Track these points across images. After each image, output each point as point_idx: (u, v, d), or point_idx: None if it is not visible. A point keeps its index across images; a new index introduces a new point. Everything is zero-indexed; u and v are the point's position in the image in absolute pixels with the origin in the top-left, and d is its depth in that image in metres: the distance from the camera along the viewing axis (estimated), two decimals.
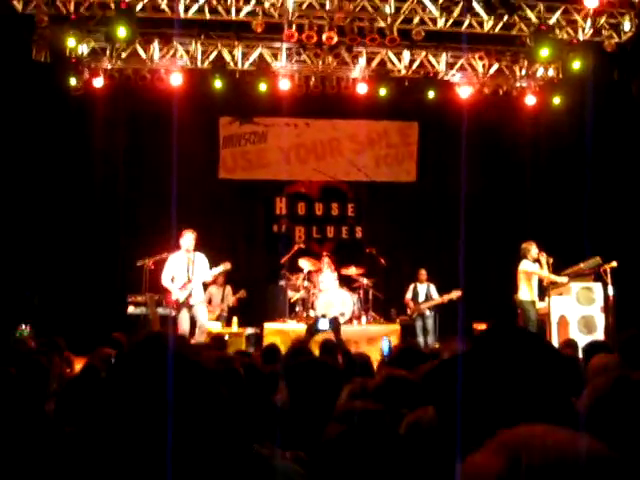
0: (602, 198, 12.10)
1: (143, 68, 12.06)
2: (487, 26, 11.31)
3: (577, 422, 1.47)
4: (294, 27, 10.99)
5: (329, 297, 11.57)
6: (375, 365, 5.53)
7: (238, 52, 11.94)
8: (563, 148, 12.58)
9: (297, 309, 11.90)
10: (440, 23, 11.23)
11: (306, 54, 11.96)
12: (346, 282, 12.19)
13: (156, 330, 8.90)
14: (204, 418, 1.27)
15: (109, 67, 12.09)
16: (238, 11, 10.77)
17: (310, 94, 12.63)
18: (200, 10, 10.73)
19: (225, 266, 10.01)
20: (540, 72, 12.64)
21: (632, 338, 4.35)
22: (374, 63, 12.21)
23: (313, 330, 10.37)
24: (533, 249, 10.33)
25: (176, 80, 11.98)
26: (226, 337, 9.68)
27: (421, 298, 12.09)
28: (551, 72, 12.51)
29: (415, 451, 1.51)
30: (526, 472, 0.75)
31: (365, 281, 12.08)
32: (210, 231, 11.87)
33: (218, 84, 11.71)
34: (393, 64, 12.30)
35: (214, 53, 11.94)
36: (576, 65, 11.24)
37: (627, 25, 11.15)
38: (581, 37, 11.29)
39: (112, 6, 10.23)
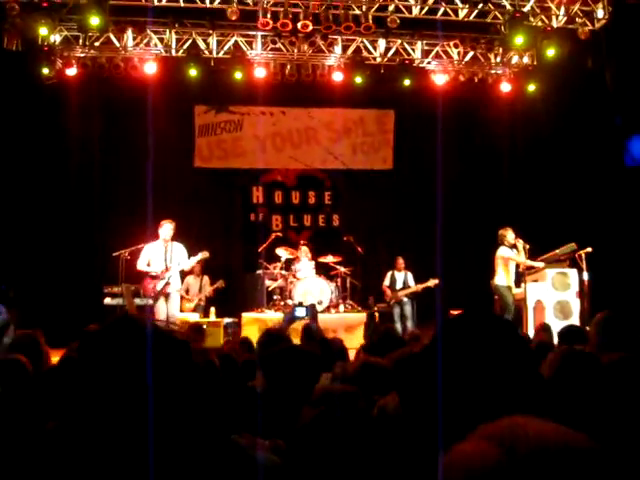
0: (577, 184, 12.23)
1: (117, 57, 11.94)
2: (462, 14, 11.35)
3: (545, 405, 1.49)
4: (269, 15, 10.93)
5: (307, 285, 11.59)
6: (352, 352, 5.56)
7: (213, 40, 11.86)
8: (538, 135, 12.67)
9: (275, 298, 11.90)
10: (415, 11, 11.25)
11: (281, 42, 11.91)
12: (323, 270, 12.21)
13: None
14: (179, 398, 1.26)
15: (82, 56, 11.95)
16: None
17: (286, 82, 12.58)
18: None
19: (203, 254, 9.99)
20: (515, 59, 12.71)
21: (605, 319, 4.42)
22: (349, 51, 12.19)
23: (290, 318, 10.38)
24: (509, 235, 10.42)
25: (150, 69, 11.87)
26: (204, 327, 9.65)
27: (398, 286, 12.14)
28: (526, 59, 12.58)
29: (383, 434, 1.53)
30: (523, 461, 0.75)
31: (342, 269, 12.11)
32: (186, 220, 11.81)
33: (193, 72, 11.64)
34: (369, 52, 12.30)
35: (188, 41, 11.85)
36: (550, 52, 11.31)
37: (600, 13, 11.24)
38: (555, 25, 11.36)
39: None
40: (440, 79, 12.68)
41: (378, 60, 12.32)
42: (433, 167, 11.93)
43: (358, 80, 12.16)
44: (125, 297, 10.27)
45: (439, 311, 11.83)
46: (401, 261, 12.24)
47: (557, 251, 10.16)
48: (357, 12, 11.09)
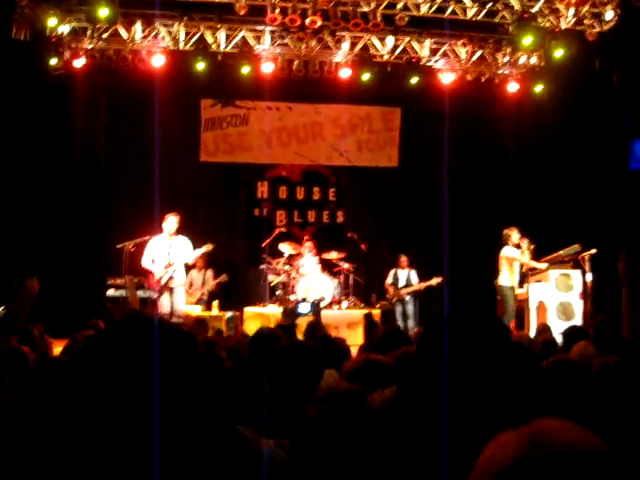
0: (582, 186, 12.20)
1: (124, 49, 11.93)
2: (470, 13, 11.33)
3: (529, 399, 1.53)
4: (277, 10, 10.93)
5: (310, 281, 11.61)
6: (354, 350, 5.57)
7: (221, 34, 11.85)
8: (545, 135, 12.66)
9: (277, 293, 11.92)
10: (424, 9, 11.23)
11: (289, 38, 11.89)
12: (327, 267, 12.22)
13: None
14: (189, 391, 1.27)
15: (90, 47, 11.95)
16: None
17: (293, 78, 12.57)
18: None
19: (207, 247, 10.00)
20: (522, 60, 12.68)
21: (602, 323, 4.46)
22: (357, 48, 12.17)
23: (293, 314, 10.39)
24: (514, 235, 10.41)
25: (158, 62, 11.87)
26: (207, 320, 9.69)
27: (401, 284, 12.15)
28: (533, 60, 12.55)
29: (383, 431, 1.55)
30: (549, 457, 0.81)
31: (346, 266, 12.12)
32: (191, 214, 11.83)
33: (200, 66, 11.63)
34: (376, 49, 12.27)
35: (197, 35, 11.84)
36: (558, 53, 11.29)
37: (609, 14, 11.21)
38: (563, 26, 11.33)
39: None
40: (447, 78, 12.66)
41: (385, 58, 12.30)
42: (439, 166, 11.95)
43: (365, 77, 12.16)
44: (128, 289, 10.29)
45: (446, 310, 11.82)
46: (404, 259, 12.24)
47: (561, 252, 10.16)
48: (366, 9, 11.08)
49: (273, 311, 11.29)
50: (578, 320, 9.68)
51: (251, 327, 10.20)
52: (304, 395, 2.71)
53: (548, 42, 11.20)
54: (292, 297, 11.46)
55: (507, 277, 10.39)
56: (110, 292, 10.85)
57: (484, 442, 0.88)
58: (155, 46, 11.93)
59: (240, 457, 1.86)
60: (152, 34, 11.81)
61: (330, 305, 11.58)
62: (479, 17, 11.39)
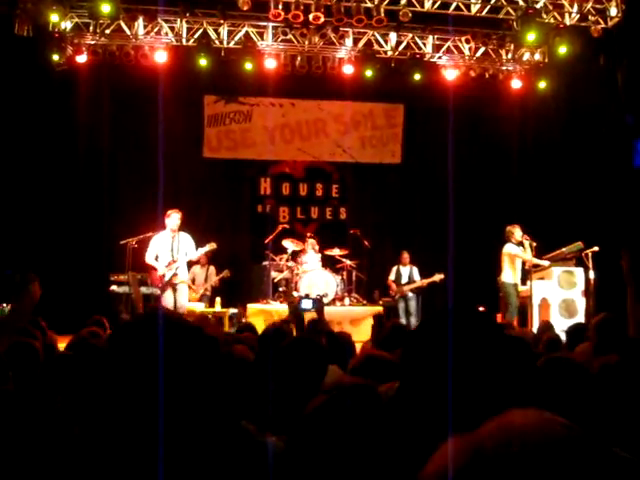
0: (585, 183, 12.19)
1: (127, 45, 11.92)
2: (474, 9, 11.31)
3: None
4: (280, 6, 10.90)
5: (312, 278, 11.60)
6: (358, 346, 5.56)
7: (224, 30, 11.84)
8: (548, 132, 12.63)
9: (280, 289, 11.91)
10: (427, 5, 11.21)
11: (292, 34, 11.88)
12: (330, 263, 12.22)
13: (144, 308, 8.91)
14: (199, 387, 1.27)
15: (92, 43, 11.94)
16: None
17: (296, 74, 12.55)
18: None
19: (211, 246, 9.99)
20: (526, 56, 12.65)
21: (603, 321, 4.44)
22: (360, 44, 12.16)
23: (296, 310, 10.39)
24: (517, 232, 10.39)
25: (161, 57, 11.86)
26: (209, 317, 9.69)
27: (404, 280, 12.14)
28: (537, 56, 12.53)
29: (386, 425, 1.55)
30: (487, 462, 0.76)
31: (349, 262, 12.11)
32: (194, 210, 11.84)
33: (203, 62, 11.63)
34: (380, 45, 12.26)
35: (199, 31, 11.83)
36: (562, 50, 11.26)
37: (613, 11, 11.18)
38: (568, 22, 11.31)
39: None
40: (451, 74, 12.64)
41: (389, 54, 12.29)
42: (442, 162, 11.94)
43: (368, 73, 12.14)
44: (131, 285, 10.30)
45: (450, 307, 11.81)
46: (406, 255, 12.23)
47: (564, 249, 10.14)
48: (369, 5, 11.05)
49: (276, 307, 11.28)
50: (581, 317, 9.67)
51: (254, 323, 10.18)
52: (308, 391, 2.70)
53: (552, 38, 11.18)
54: (295, 293, 11.46)
55: (509, 274, 10.37)
56: (113, 288, 10.86)
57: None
58: (158, 42, 11.92)
59: (245, 450, 1.86)
60: (155, 30, 11.80)
61: (333, 301, 11.57)
62: (483, 13, 11.37)
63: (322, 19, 11.02)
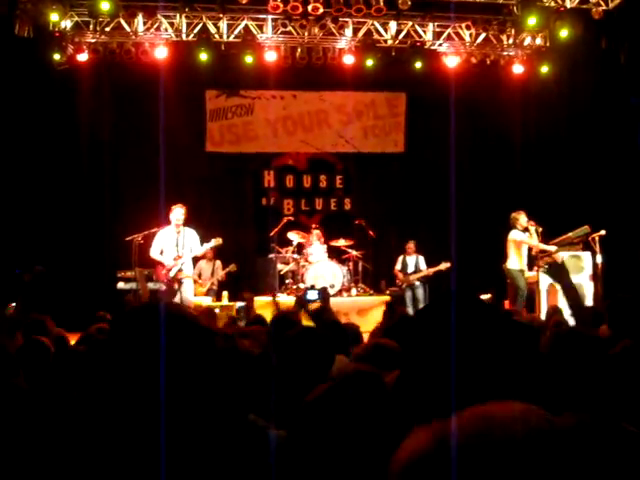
0: (591, 167, 12.15)
1: (127, 42, 11.93)
2: None
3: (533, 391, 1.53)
4: None
5: (319, 269, 11.60)
6: (366, 337, 5.57)
7: (223, 24, 11.83)
8: (551, 116, 12.58)
9: (287, 282, 11.93)
10: None
11: (292, 25, 11.85)
12: (335, 254, 12.21)
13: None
14: (201, 381, 1.28)
15: (93, 41, 11.95)
16: None
17: (296, 66, 12.53)
18: None
19: (216, 241, 10.00)
20: (527, 41, 12.59)
21: (617, 302, 4.43)
22: (360, 33, 12.12)
23: (303, 301, 10.40)
24: (522, 218, 10.35)
25: (161, 53, 11.86)
26: (217, 310, 9.71)
27: (410, 269, 12.14)
28: (538, 40, 12.46)
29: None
30: (450, 452, 0.76)
31: (354, 253, 12.11)
32: (198, 205, 11.84)
33: (203, 57, 11.62)
34: (380, 34, 12.22)
35: (199, 26, 11.82)
36: (563, 33, 11.20)
37: None
38: (568, 5, 11.24)
39: None
40: (452, 61, 12.59)
41: (389, 42, 12.25)
42: (445, 150, 11.89)
43: (369, 63, 12.12)
44: (138, 281, 10.31)
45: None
46: (412, 245, 12.22)
47: (570, 234, 10.11)
48: None
49: (283, 300, 11.29)
50: (589, 302, 9.66)
51: (263, 316, 10.20)
52: (315, 381, 2.71)
53: (553, 22, 11.12)
54: (301, 285, 11.47)
55: (515, 261, 10.34)
56: (120, 285, 10.89)
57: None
58: (158, 38, 11.93)
59: (249, 441, 1.87)
60: (154, 26, 11.81)
61: (340, 292, 11.58)
62: None
63: (321, 10, 10.99)
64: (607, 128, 12.09)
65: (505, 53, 12.85)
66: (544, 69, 12.41)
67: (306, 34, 11.99)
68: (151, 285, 10.25)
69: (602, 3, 11.23)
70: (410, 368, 1.60)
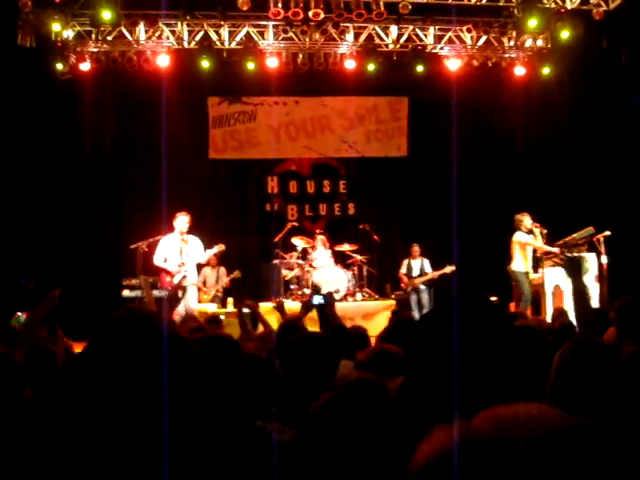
0: (594, 167, 12.12)
1: (129, 50, 11.97)
2: None
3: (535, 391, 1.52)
4: (280, 4, 10.91)
5: (323, 274, 11.59)
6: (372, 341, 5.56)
7: (224, 31, 11.86)
8: (554, 118, 12.56)
9: (292, 287, 11.92)
10: None
11: (293, 31, 11.88)
12: (340, 259, 12.20)
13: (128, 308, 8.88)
14: (193, 393, 1.27)
15: (95, 50, 12.00)
16: None
17: (298, 72, 12.55)
18: None
19: (219, 247, 10.01)
20: (529, 42, 12.60)
21: (626, 304, 4.40)
22: (362, 38, 12.14)
23: (308, 306, 10.37)
24: (527, 220, 10.33)
25: (163, 61, 11.90)
26: (222, 317, 9.69)
27: (415, 273, 12.13)
28: (540, 42, 12.46)
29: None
30: (475, 451, 0.76)
31: (359, 257, 12.10)
32: (202, 212, 11.86)
33: (205, 64, 11.66)
34: (381, 39, 12.24)
35: (200, 33, 11.85)
36: (565, 34, 11.20)
37: None
38: (569, 6, 11.24)
39: None
40: (453, 64, 12.59)
41: (390, 47, 12.27)
42: (448, 153, 11.88)
43: (371, 67, 12.13)
44: (143, 289, 10.33)
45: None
46: (416, 248, 12.22)
47: (575, 235, 10.07)
48: None
49: (289, 305, 11.26)
50: (595, 303, 9.61)
51: (269, 322, 10.18)
52: (320, 386, 2.71)
53: (554, 23, 11.12)
54: (306, 291, 11.46)
55: (520, 262, 10.32)
56: (126, 293, 10.90)
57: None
58: (159, 46, 11.97)
59: (254, 446, 1.87)
60: (156, 34, 11.85)
61: (345, 297, 11.56)
62: (483, 1, 11.33)
63: (322, 15, 11.01)
64: (609, 128, 12.07)
65: (506, 55, 12.85)
66: (546, 70, 12.40)
67: (307, 40, 12.02)
68: (156, 293, 10.27)
69: (602, 4, 11.23)
70: (415, 373, 1.60)
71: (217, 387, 2.13)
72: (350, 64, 12.25)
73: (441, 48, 12.49)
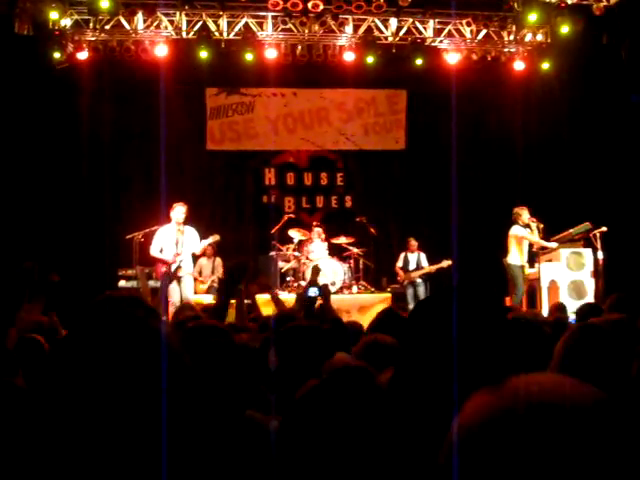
0: (592, 163, 12.12)
1: (127, 40, 11.92)
2: None
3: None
4: None
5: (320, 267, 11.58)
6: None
7: (223, 22, 11.81)
8: (553, 113, 12.55)
9: (288, 279, 11.92)
10: None
11: (292, 23, 11.84)
12: (336, 252, 12.20)
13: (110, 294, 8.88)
14: (180, 384, 1.26)
15: (93, 39, 11.94)
16: None
17: (297, 63, 12.51)
18: None
19: (214, 238, 10.00)
20: (528, 37, 12.56)
21: (617, 300, 4.41)
22: (361, 30, 12.10)
23: (304, 299, 10.38)
24: (525, 214, 10.35)
25: (161, 51, 11.85)
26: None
27: (411, 267, 12.14)
28: (539, 37, 12.43)
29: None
30: (525, 411, 0.76)
31: (355, 250, 12.10)
32: (199, 203, 11.84)
33: (203, 55, 11.62)
34: (380, 31, 12.20)
35: (199, 23, 11.81)
36: (564, 29, 11.18)
37: None
38: (569, 1, 11.20)
39: None
40: (452, 58, 12.56)
41: (390, 39, 12.23)
42: (446, 147, 11.87)
43: (370, 60, 12.09)
44: (139, 279, 10.33)
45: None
46: (413, 242, 12.22)
47: (571, 230, 10.08)
48: None
49: (284, 297, 11.27)
50: (590, 299, 9.63)
51: (264, 313, 10.19)
52: (312, 376, 2.70)
53: (554, 18, 11.11)
54: (303, 283, 11.46)
55: (516, 256, 10.34)
56: (121, 283, 10.89)
57: None
58: (158, 36, 11.92)
59: (247, 436, 1.86)
60: (154, 24, 11.80)
61: (341, 290, 11.57)
62: None
63: (321, 7, 10.98)
64: (608, 124, 12.06)
65: (506, 49, 12.82)
66: (545, 65, 12.38)
67: (306, 31, 11.98)
68: (152, 283, 10.27)
69: None
70: (406, 363, 1.59)
71: (205, 375, 2.12)
72: (349, 56, 12.22)
73: (440, 41, 12.46)
